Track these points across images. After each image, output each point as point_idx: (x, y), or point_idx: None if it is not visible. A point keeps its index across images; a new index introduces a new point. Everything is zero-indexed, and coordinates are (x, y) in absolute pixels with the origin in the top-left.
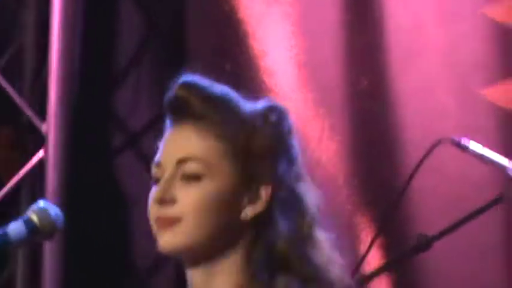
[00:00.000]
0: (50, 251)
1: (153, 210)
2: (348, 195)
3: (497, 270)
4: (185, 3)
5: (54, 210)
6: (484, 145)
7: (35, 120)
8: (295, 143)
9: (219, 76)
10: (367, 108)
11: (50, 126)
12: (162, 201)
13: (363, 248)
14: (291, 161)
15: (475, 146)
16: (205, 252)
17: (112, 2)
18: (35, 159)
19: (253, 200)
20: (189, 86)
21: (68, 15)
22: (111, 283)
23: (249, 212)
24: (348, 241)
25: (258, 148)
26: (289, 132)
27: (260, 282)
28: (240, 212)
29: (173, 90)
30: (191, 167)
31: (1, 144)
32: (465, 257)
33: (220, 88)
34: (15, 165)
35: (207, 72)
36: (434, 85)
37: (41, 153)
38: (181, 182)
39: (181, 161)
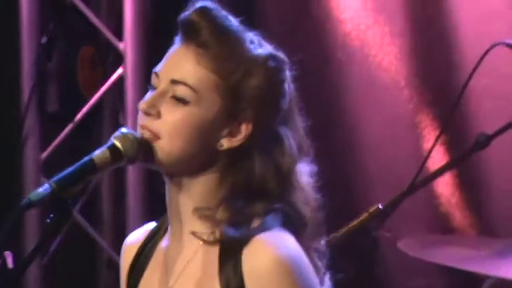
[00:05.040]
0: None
1: (140, 118)
2: (410, 95)
3: None
4: None
5: (135, 136)
6: None
7: (113, 39)
8: (287, 92)
9: None
10: (424, 12)
11: (127, 45)
12: (148, 113)
13: (426, 145)
14: (277, 107)
15: None
16: (180, 169)
17: None
18: (114, 76)
19: (232, 134)
20: (204, 13)
21: None
22: None
23: (225, 143)
24: (411, 139)
25: (249, 90)
26: (282, 81)
27: (231, 207)
28: (216, 142)
29: (189, 11)
30: (182, 91)
31: (83, 64)
32: None
33: (232, 23)
34: (96, 82)
35: None
36: None
37: (119, 71)
38: (170, 100)
39: (174, 82)
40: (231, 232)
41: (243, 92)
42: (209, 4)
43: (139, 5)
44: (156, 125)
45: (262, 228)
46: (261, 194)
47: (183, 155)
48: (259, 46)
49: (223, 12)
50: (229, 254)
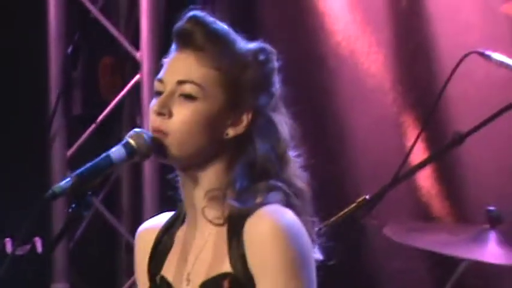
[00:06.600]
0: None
1: (152, 119)
2: (394, 98)
3: None
4: None
5: (147, 135)
6: (503, 53)
7: (131, 49)
8: (277, 80)
9: None
10: (407, 24)
11: (144, 54)
12: (160, 113)
13: (408, 142)
14: (271, 95)
15: (496, 56)
16: (192, 162)
17: None
18: (132, 82)
19: (235, 123)
20: (195, 21)
21: None
22: None
23: (230, 131)
24: (395, 137)
25: (246, 81)
26: (273, 71)
27: (238, 187)
28: (223, 132)
29: (182, 22)
30: (188, 88)
31: (104, 71)
32: (492, 148)
33: (221, 26)
34: (116, 88)
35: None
36: (461, 3)
37: (137, 77)
38: (178, 99)
39: (181, 82)
40: (236, 207)
41: (241, 83)
42: (198, 13)
43: (154, 18)
44: (166, 124)
45: (264, 203)
46: (263, 174)
47: (195, 148)
48: (248, 42)
49: (212, 18)
50: (235, 229)
